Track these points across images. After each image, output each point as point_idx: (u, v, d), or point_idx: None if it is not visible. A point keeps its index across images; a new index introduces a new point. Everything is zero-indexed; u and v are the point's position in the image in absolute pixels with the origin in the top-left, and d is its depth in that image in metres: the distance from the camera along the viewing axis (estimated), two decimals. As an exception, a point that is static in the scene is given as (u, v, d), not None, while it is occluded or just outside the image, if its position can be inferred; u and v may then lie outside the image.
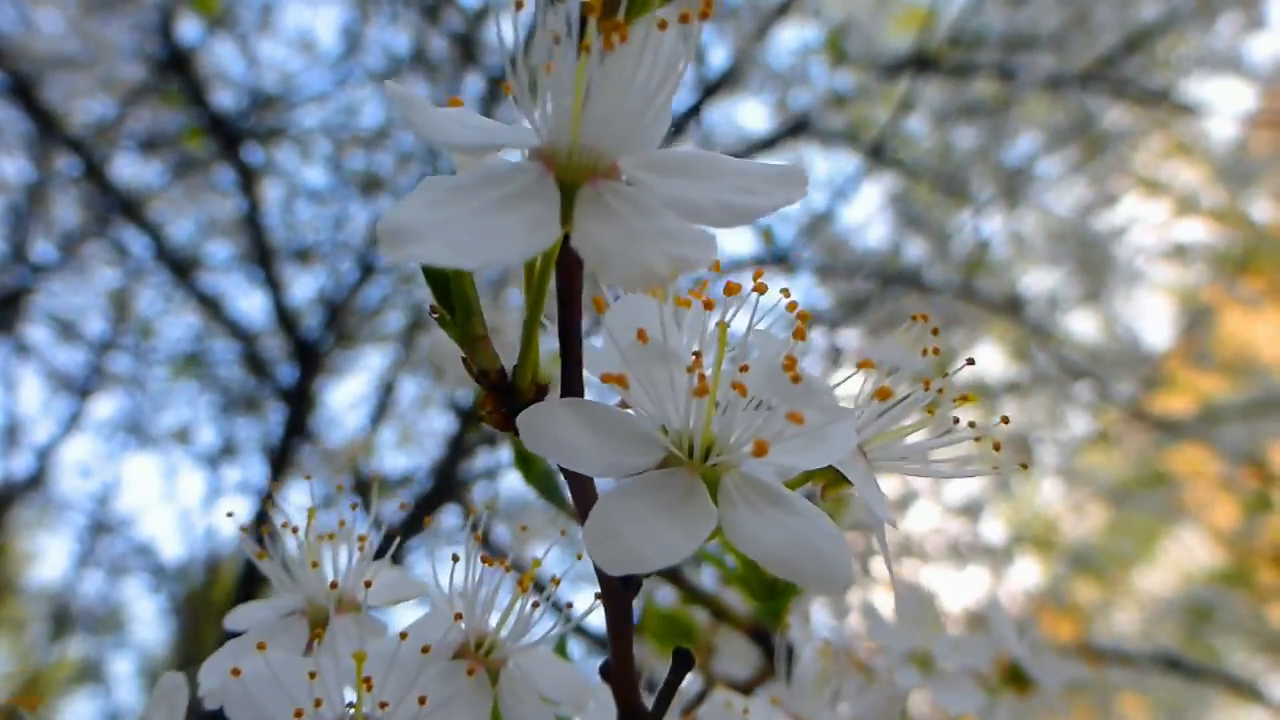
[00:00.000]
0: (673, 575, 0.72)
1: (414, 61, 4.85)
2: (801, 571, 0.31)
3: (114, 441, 4.77)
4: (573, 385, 0.33)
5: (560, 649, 0.62)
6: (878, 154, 4.05)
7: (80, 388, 4.60)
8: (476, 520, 0.43)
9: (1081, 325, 4.37)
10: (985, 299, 3.38)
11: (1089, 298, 4.19)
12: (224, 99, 4.12)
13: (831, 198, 3.92)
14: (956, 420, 0.44)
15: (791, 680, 0.59)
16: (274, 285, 4.12)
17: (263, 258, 3.79)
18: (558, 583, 0.44)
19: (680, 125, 3.82)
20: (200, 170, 4.53)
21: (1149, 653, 3.25)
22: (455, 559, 0.43)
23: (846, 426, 0.36)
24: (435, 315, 0.34)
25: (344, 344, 4.19)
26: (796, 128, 4.30)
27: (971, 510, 4.82)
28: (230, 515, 0.51)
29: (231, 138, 3.76)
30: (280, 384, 3.92)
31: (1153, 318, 4.17)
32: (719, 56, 3.88)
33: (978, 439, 0.45)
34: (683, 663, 0.40)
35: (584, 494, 0.32)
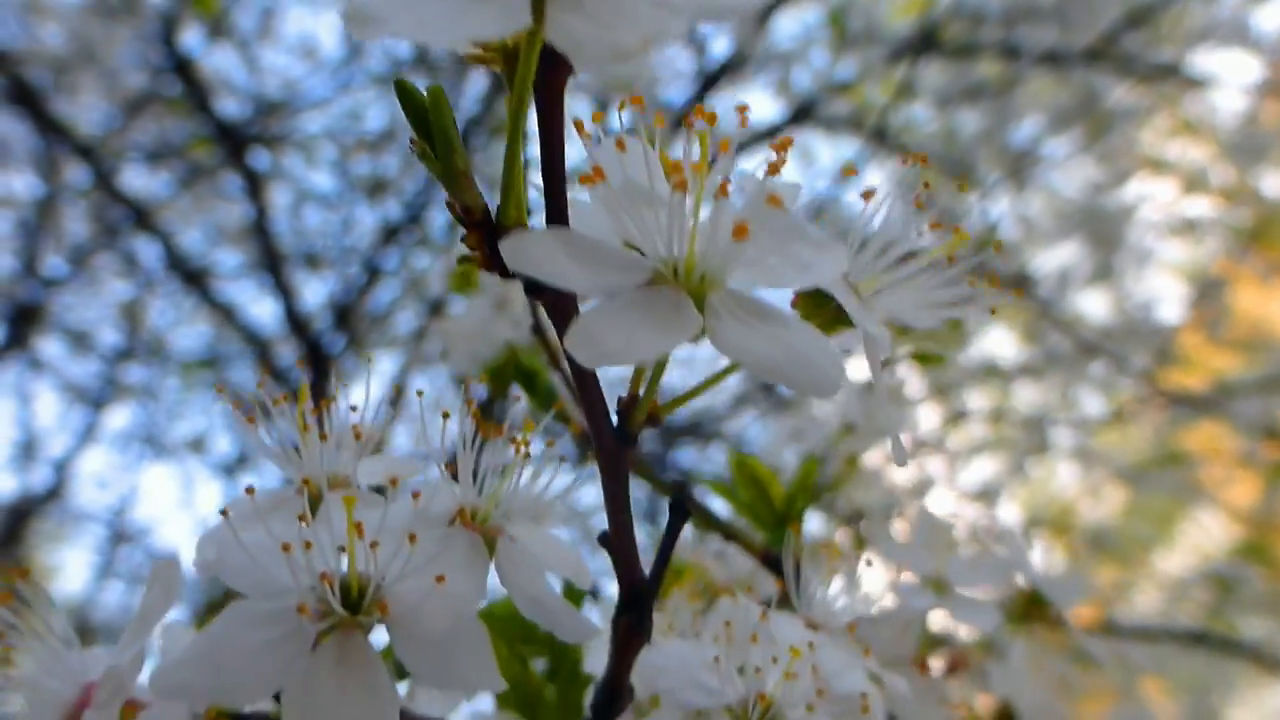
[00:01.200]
0: (689, 503, 0.71)
1: (416, 63, 4.86)
2: (791, 376, 0.30)
3: (130, 452, 4.78)
4: (557, 216, 0.33)
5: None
6: (880, 138, 4.04)
7: (94, 400, 4.62)
8: (469, 387, 0.43)
9: (1092, 305, 4.35)
10: (998, 276, 3.36)
11: (1100, 276, 4.17)
12: (228, 107, 4.13)
13: (836, 182, 3.91)
14: (953, 260, 0.44)
15: (800, 594, 0.58)
16: (284, 291, 4.13)
17: (272, 264, 3.80)
18: (553, 444, 0.43)
19: (681, 117, 3.82)
20: (207, 178, 4.55)
21: (1172, 628, 3.22)
22: (446, 416, 0.42)
23: (836, 253, 0.35)
24: (415, 149, 0.34)
25: (355, 348, 4.19)
26: (800, 115, 4.29)
27: (988, 495, 4.79)
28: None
29: (237, 144, 3.77)
30: (293, 389, 3.92)
31: (1164, 295, 4.14)
32: (720, 45, 3.88)
33: (974, 279, 0.45)
34: (680, 511, 0.39)
35: (567, 320, 0.31)
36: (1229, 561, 3.99)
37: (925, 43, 3.58)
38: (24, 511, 4.61)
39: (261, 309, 4.25)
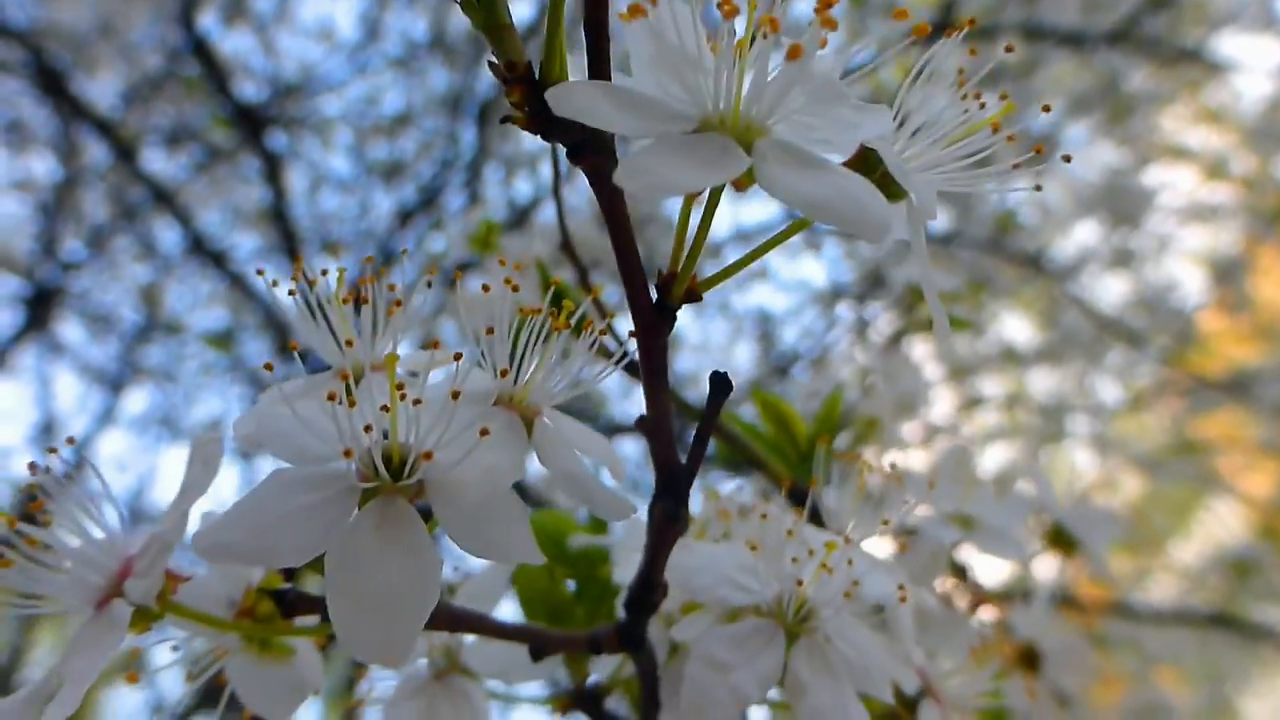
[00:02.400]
0: (717, 429, 0.71)
1: (432, 46, 4.87)
2: (841, 215, 0.30)
3: (148, 435, 4.81)
4: (601, 71, 0.33)
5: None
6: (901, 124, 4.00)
7: (113, 382, 4.64)
8: (509, 266, 0.43)
9: (1111, 292, 4.32)
10: (1015, 253, 3.34)
11: (1119, 262, 4.14)
12: (245, 90, 4.15)
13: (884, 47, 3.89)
14: (997, 129, 0.43)
15: (831, 508, 0.58)
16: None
17: (290, 248, 3.81)
18: (589, 326, 0.43)
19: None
20: (225, 160, 4.57)
21: (1188, 611, 3.20)
22: (486, 289, 0.42)
23: (880, 114, 0.35)
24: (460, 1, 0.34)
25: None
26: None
27: (1004, 481, 4.75)
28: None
29: (255, 126, 3.78)
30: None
31: (1184, 280, 4.11)
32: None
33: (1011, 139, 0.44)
34: (721, 387, 0.39)
35: (606, 187, 0.31)
36: (1246, 544, 3.97)
37: (945, 23, 3.56)
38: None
39: (280, 292, 4.24)
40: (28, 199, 4.90)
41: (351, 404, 0.36)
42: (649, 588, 0.44)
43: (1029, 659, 0.82)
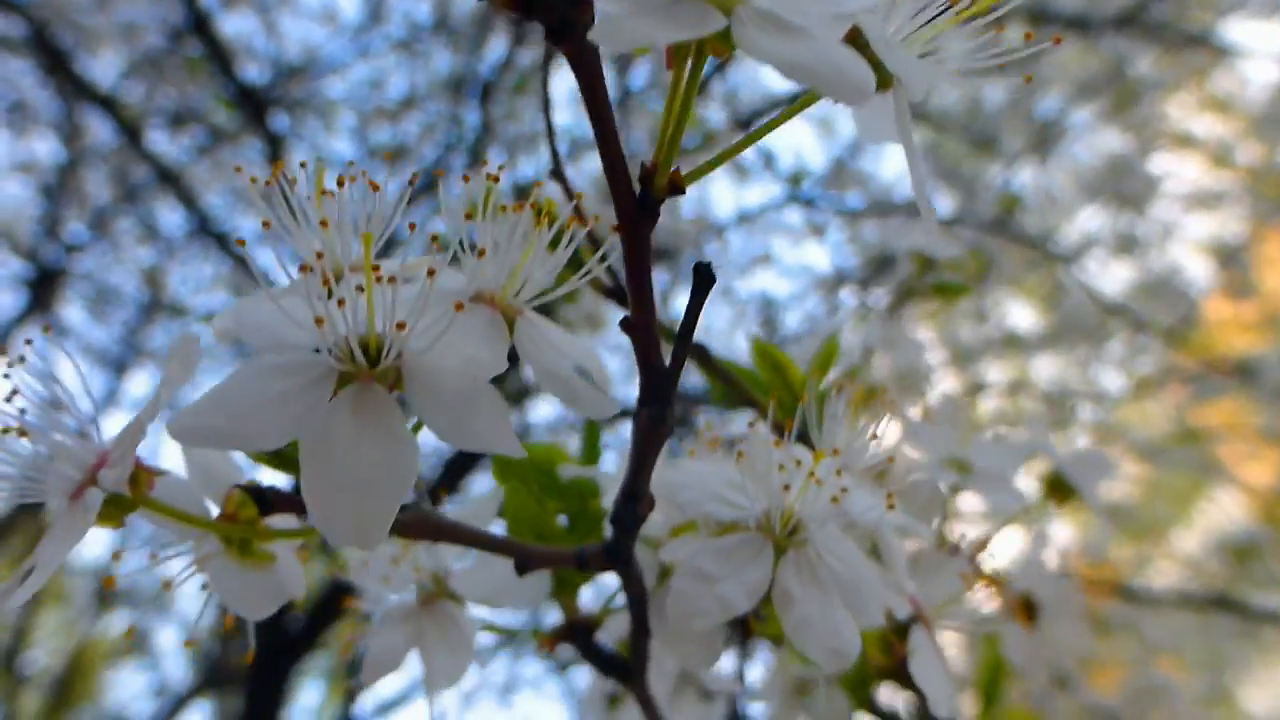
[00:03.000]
0: (700, 355, 0.70)
1: (436, 28, 4.86)
2: (821, 76, 0.29)
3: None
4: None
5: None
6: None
7: (116, 364, 4.65)
8: (488, 159, 0.42)
9: (1115, 280, 4.31)
10: (1020, 235, 3.33)
11: (1123, 249, 4.13)
12: (249, 72, 4.14)
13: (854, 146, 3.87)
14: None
15: (822, 434, 0.57)
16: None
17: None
18: (575, 221, 0.42)
19: (704, 83, 3.80)
20: (228, 142, 4.56)
21: (1190, 594, 3.20)
22: (467, 179, 0.41)
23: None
24: None
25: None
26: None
27: (1030, 542, 4.75)
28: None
29: (258, 107, 3.77)
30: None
31: (1189, 265, 4.09)
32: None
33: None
34: (704, 280, 0.38)
35: (588, 74, 0.31)
36: (1247, 527, 3.96)
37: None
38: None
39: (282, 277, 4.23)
40: (30, 181, 4.91)
41: (329, 291, 0.35)
42: (634, 498, 0.43)
43: (1026, 610, 0.82)
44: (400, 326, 0.35)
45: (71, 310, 4.81)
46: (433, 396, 0.35)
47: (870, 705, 1.01)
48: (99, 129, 4.14)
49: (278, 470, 0.42)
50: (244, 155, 4.62)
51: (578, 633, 0.60)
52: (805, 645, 0.43)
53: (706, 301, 0.38)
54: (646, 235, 0.37)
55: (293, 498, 0.39)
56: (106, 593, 5.10)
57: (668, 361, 0.40)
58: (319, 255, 0.36)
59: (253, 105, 3.82)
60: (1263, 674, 4.78)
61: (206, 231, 4.07)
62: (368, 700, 4.66)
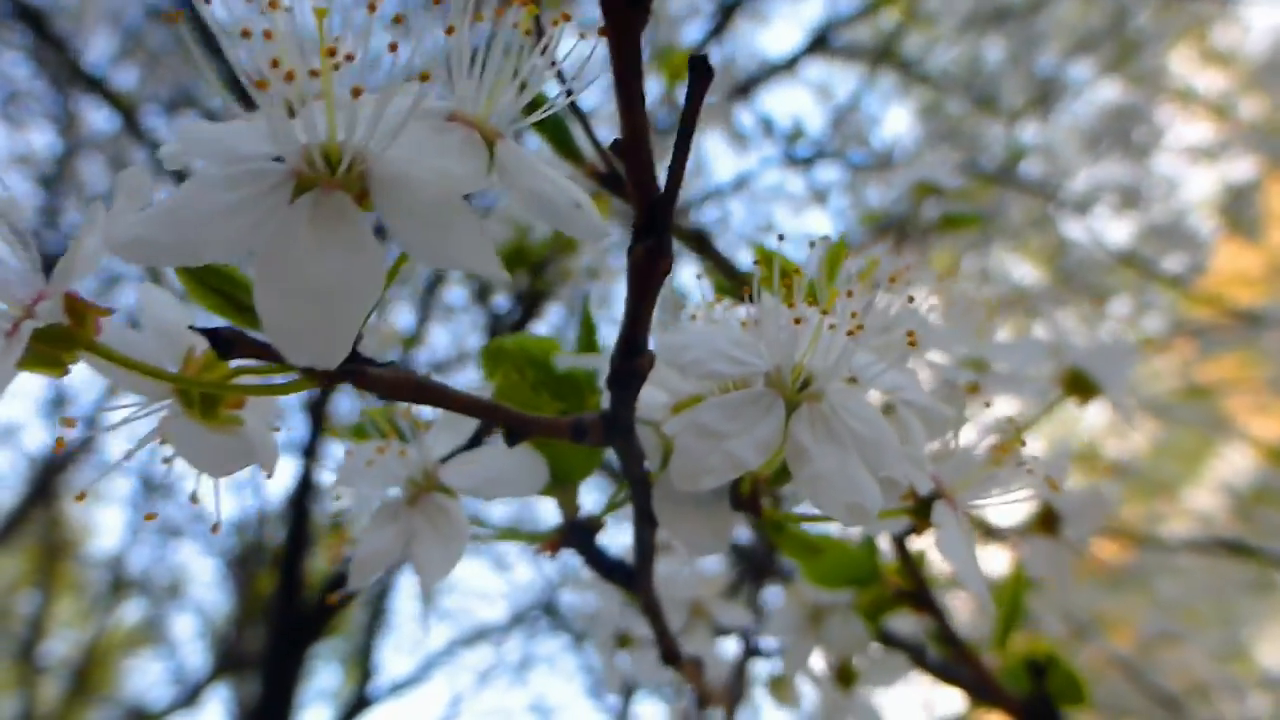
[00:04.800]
0: (700, 241, 0.67)
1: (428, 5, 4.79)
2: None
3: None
4: None
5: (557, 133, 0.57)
6: (886, 57, 3.95)
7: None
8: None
9: (1120, 235, 4.27)
10: (1025, 183, 3.28)
11: (1128, 201, 4.08)
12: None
13: (853, 99, 3.82)
14: None
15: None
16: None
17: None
18: (567, 17, 0.38)
19: (701, 47, 3.76)
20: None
21: (1202, 540, 3.17)
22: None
23: None
24: None
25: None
26: (815, 45, 4.21)
27: (1051, 450, 4.72)
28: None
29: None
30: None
31: (1195, 214, 4.05)
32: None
33: None
34: (701, 72, 0.34)
35: None
36: (1259, 474, 3.93)
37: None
38: (57, 465, 4.64)
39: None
40: (28, 172, 4.88)
41: (288, 106, 0.31)
42: (633, 351, 0.40)
43: (1047, 521, 0.79)
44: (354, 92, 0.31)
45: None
46: (403, 207, 0.32)
47: (885, 634, 0.98)
48: (95, 117, 4.10)
49: (239, 324, 0.38)
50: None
51: (578, 534, 0.56)
52: (821, 500, 0.40)
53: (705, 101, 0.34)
54: (637, 33, 0.34)
55: (254, 341, 0.36)
56: (121, 582, 5.10)
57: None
58: (274, 63, 0.32)
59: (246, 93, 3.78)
60: (1277, 630, 4.77)
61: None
62: (382, 679, 4.66)
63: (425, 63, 0.36)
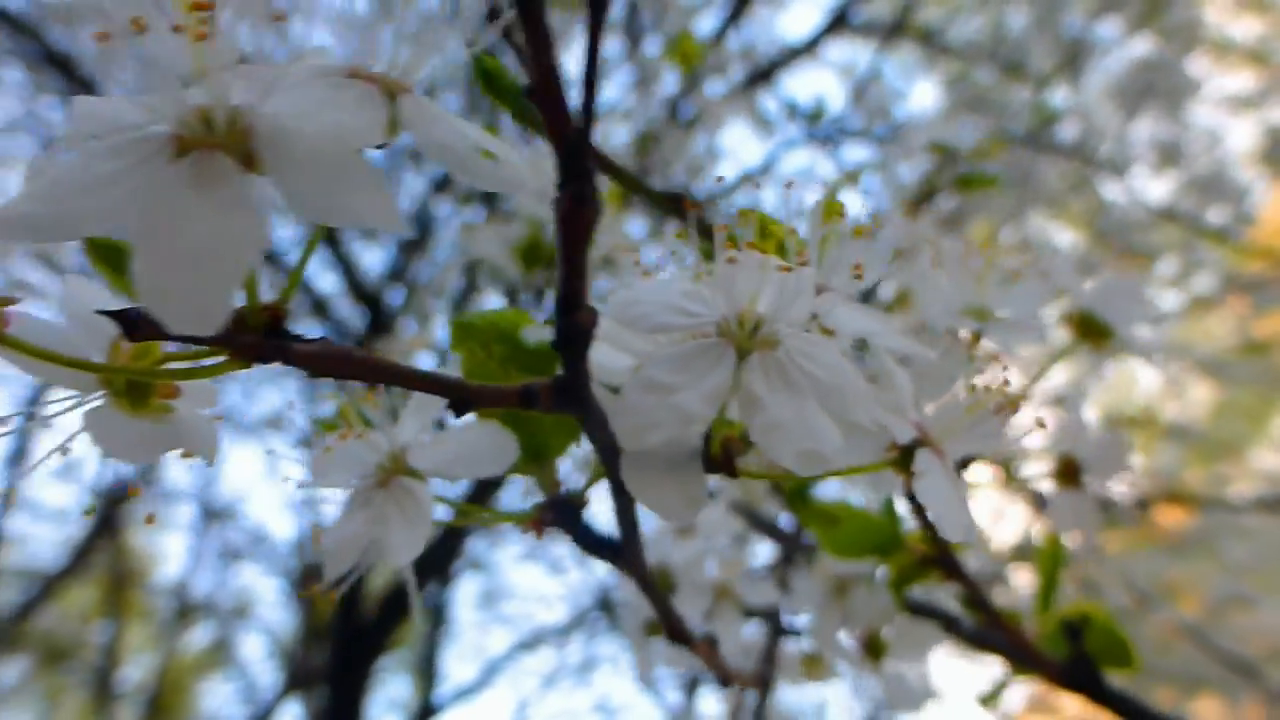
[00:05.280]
0: (674, 202, 0.65)
1: (447, 18, 4.82)
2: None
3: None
4: None
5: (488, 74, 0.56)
6: (907, 30, 3.89)
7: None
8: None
9: (1162, 195, 4.16)
10: (1060, 147, 3.21)
11: (1167, 158, 3.98)
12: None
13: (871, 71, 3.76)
14: None
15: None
16: (343, 261, 4.16)
17: (330, 235, 3.81)
18: None
19: (720, 34, 3.72)
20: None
21: (1275, 497, 3.07)
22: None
23: None
24: None
25: (413, 309, 4.18)
26: (835, 24, 4.16)
27: (1066, 400, 4.62)
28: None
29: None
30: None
31: (1238, 166, 3.93)
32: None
33: None
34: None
35: None
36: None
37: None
38: (119, 497, 4.75)
39: (325, 281, 4.24)
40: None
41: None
42: (571, 306, 0.38)
43: (1068, 472, 0.75)
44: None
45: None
46: (291, 164, 0.30)
47: (915, 604, 0.95)
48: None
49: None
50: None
51: (561, 510, 0.55)
52: (774, 449, 0.38)
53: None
54: None
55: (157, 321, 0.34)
56: (188, 607, 5.20)
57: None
58: (135, 24, 0.31)
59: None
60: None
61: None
62: (446, 687, 4.70)
63: (329, 19, 0.35)
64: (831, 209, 0.50)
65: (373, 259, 4.18)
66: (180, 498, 5.05)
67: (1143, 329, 0.70)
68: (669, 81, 3.31)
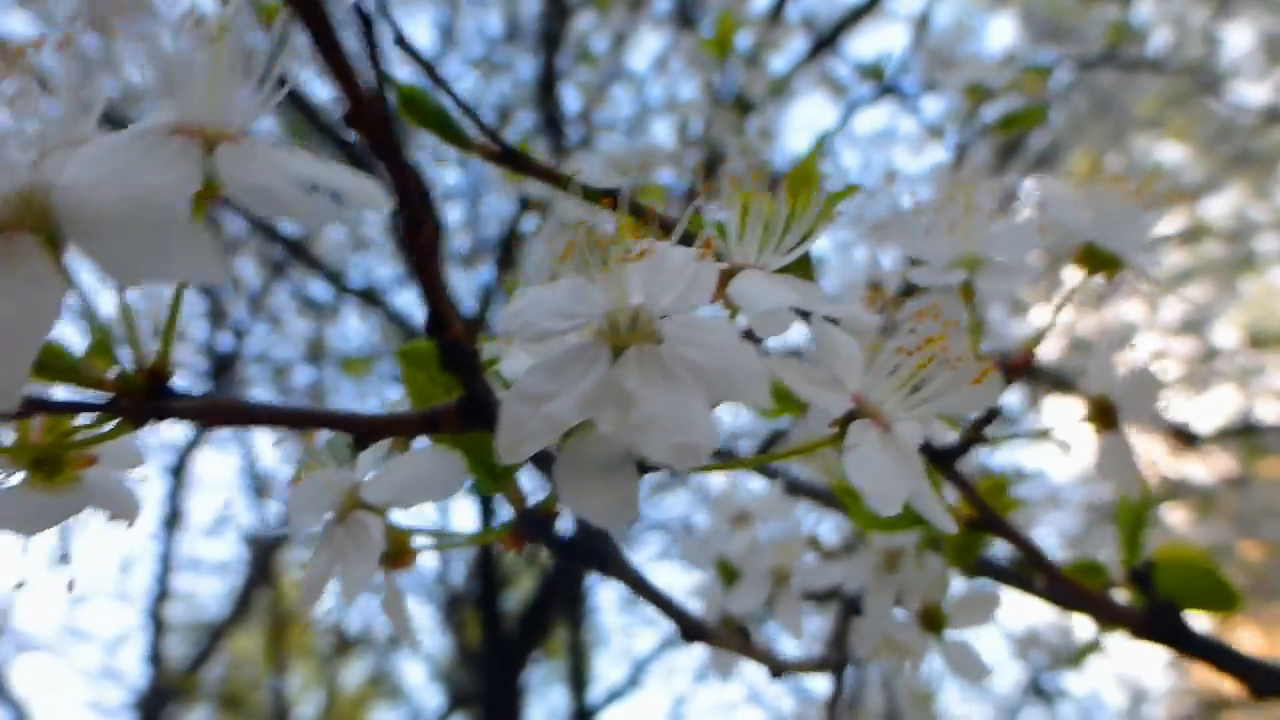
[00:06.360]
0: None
1: (508, 39, 4.93)
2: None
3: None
4: None
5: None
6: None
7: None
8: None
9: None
10: (1141, 62, 3.03)
11: (1275, 54, 3.72)
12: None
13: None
14: None
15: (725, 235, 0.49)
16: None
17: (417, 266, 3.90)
18: None
19: (778, 7, 3.66)
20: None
21: None
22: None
23: None
24: None
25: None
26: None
27: (1197, 324, 4.39)
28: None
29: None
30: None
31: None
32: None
33: None
34: (368, 21, 0.32)
35: None
36: None
37: None
38: (271, 544, 4.99)
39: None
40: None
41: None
42: (440, 324, 0.38)
43: (1103, 415, 0.71)
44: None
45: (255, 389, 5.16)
46: (94, 234, 0.31)
47: (985, 565, 0.91)
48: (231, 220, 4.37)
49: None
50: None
51: (532, 524, 0.54)
52: (646, 446, 0.36)
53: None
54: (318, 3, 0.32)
55: (31, 397, 0.36)
56: (346, 641, 5.43)
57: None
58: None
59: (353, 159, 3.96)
60: None
61: (354, 291, 4.27)
62: (599, 689, 4.77)
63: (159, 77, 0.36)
64: (738, 181, 0.48)
65: (467, 284, 4.26)
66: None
67: (1151, 252, 0.65)
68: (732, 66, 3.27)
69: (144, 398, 0.38)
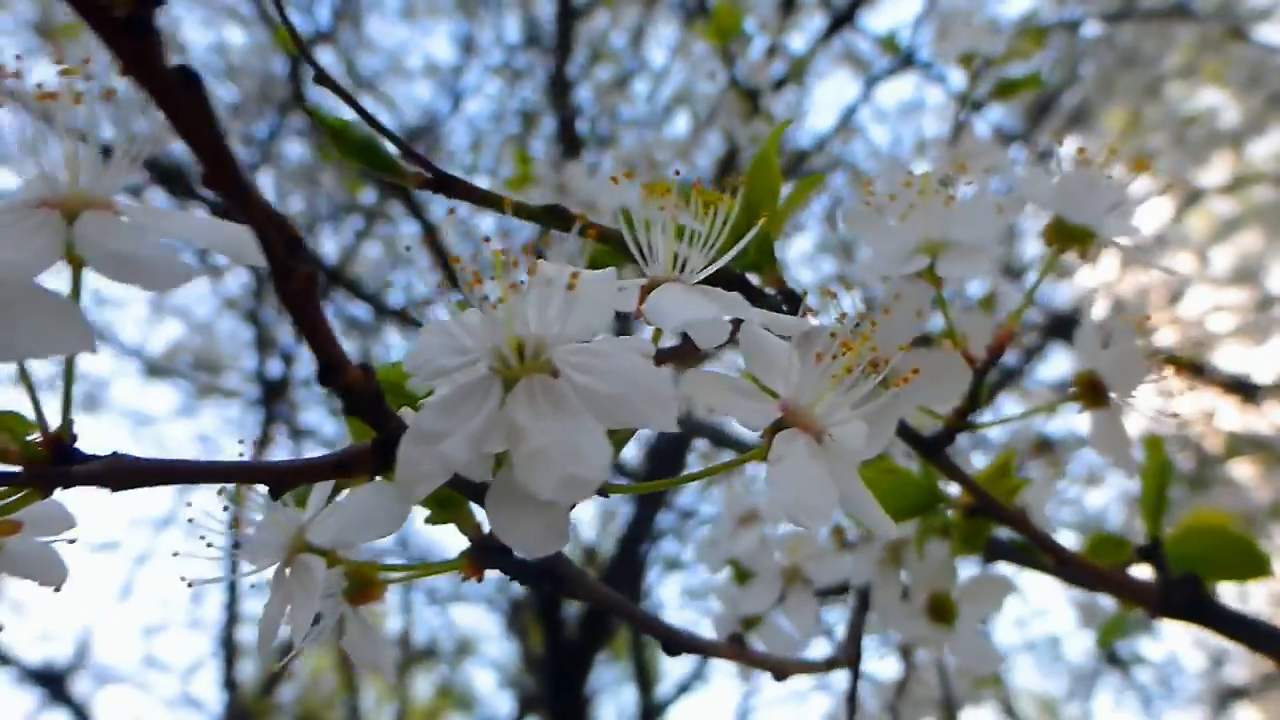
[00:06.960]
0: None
1: (527, 44, 4.94)
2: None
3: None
4: None
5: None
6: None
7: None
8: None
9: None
10: (1173, 9, 2.94)
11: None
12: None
13: None
14: None
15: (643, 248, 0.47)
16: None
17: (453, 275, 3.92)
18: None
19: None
20: (381, 221, 4.83)
21: None
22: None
23: None
24: None
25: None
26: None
27: (1248, 274, 4.26)
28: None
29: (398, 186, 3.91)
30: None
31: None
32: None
33: None
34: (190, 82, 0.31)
35: None
36: None
37: None
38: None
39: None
40: (234, 313, 5.41)
41: None
42: (331, 369, 0.37)
43: (1091, 391, 0.68)
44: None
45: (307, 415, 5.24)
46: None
47: (997, 547, 0.89)
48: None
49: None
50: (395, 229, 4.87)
51: (488, 553, 0.54)
52: (533, 481, 0.35)
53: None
54: (154, 60, 0.31)
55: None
56: (414, 653, 5.50)
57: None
58: None
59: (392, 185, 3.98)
60: None
61: (391, 313, 4.31)
62: (667, 685, 4.78)
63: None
64: (653, 190, 0.46)
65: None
66: (386, 553, 5.34)
67: (1121, 220, 0.62)
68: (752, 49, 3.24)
69: (47, 466, 0.38)
